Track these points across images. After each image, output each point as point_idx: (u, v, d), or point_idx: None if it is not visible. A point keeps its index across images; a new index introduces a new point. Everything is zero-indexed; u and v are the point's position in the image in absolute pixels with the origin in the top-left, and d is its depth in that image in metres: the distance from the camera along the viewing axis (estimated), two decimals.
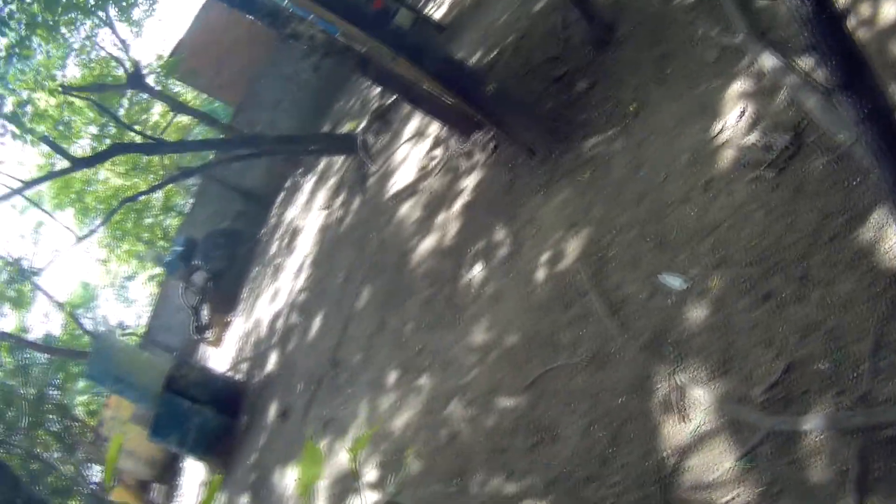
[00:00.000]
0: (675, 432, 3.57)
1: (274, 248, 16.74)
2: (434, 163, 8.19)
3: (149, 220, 35.78)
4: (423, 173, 8.31)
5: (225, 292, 19.92)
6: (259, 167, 21.71)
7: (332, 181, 13.53)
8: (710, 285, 3.87)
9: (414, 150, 9.22)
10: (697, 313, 3.85)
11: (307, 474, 1.97)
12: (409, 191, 8.46)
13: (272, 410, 9.77)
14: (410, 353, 6.29)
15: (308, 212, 14.36)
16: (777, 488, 3.09)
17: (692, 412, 3.56)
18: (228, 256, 20.67)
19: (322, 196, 13.69)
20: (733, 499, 3.20)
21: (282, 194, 20.23)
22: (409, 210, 8.13)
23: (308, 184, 16.48)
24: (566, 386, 4.32)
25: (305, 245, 12.73)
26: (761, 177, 4.04)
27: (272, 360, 11.15)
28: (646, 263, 4.35)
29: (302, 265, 12.10)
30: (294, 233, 14.81)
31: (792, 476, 3.07)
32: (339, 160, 12.98)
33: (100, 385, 13.04)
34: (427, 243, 7.09)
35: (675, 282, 4.06)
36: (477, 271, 5.92)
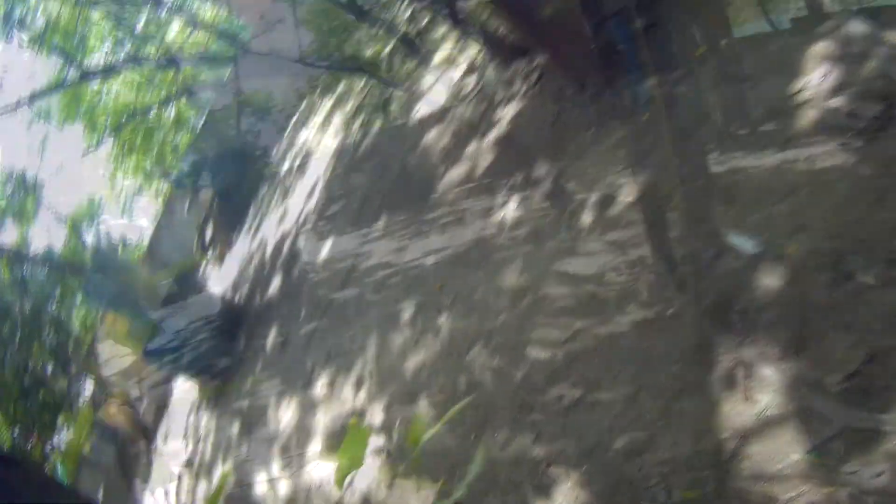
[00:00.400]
0: (737, 413, 3.18)
1: (285, 169, 16.37)
2: (467, 90, 7.74)
3: (159, 136, 35.36)
4: (454, 100, 7.85)
5: (231, 211, 19.70)
6: (274, 86, 21.15)
7: (350, 104, 13.04)
8: (786, 252, 3.48)
9: (444, 76, 8.73)
10: (770, 282, 3.43)
11: (349, 458, 1.60)
12: (437, 117, 7.98)
13: (272, 336, 9.49)
14: (430, 288, 5.91)
15: (323, 134, 13.89)
16: (848, 491, 2.75)
17: (758, 392, 3.18)
18: (237, 175, 20.39)
19: (338, 119, 13.23)
20: (798, 496, 2.85)
21: (296, 115, 19.76)
22: (436, 137, 7.66)
23: (324, 105, 15.98)
24: (611, 345, 3.94)
25: (318, 168, 12.30)
26: (847, 145, 3.63)
27: (275, 285, 10.85)
28: (712, 219, 3.94)
29: (314, 188, 11.70)
30: (307, 154, 14.39)
31: (866, 480, 2.72)
32: (359, 83, 12.47)
33: (97, 301, 13.01)
34: (455, 173, 6.65)
35: (746, 244, 3.66)
36: (512, 208, 5.49)
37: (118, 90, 27.07)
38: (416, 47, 10.80)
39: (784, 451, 2.95)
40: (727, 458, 3.09)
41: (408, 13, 12.52)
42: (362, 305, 6.90)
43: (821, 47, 4.21)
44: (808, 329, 3.20)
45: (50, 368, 23.72)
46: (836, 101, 3.85)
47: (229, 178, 20.49)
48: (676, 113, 4.72)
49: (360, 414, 5.37)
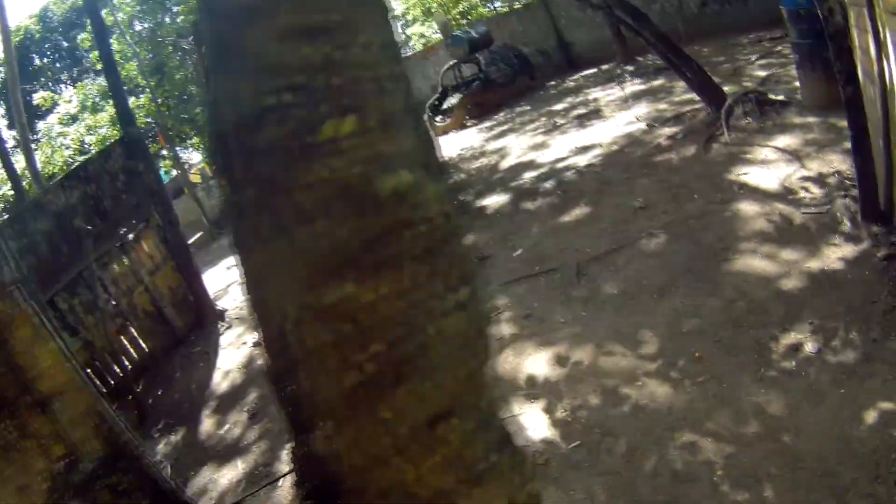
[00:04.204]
0: None
1: (559, 107, 15.92)
2: (806, 198, 7.21)
3: None
4: (787, 198, 7.17)
5: (482, 100, 19.53)
6: (598, 32, 19.82)
7: (662, 105, 12.54)
8: None
9: (783, 165, 7.94)
10: None
11: None
12: (762, 199, 7.37)
13: None
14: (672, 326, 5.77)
15: (624, 109, 13.26)
16: None
17: None
18: (508, 76, 20.10)
19: (643, 109, 12.71)
20: None
21: (593, 69, 18.98)
22: (750, 213, 7.13)
23: (631, 86, 15.14)
24: None
25: (601, 135, 11.93)
26: None
27: (492, 201, 10.93)
28: None
29: (586, 149, 11.42)
30: (593, 114, 13.97)
31: None
32: (687, 97, 11.90)
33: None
34: (753, 263, 6.24)
35: None
36: (810, 350, 4.94)
37: None
38: (763, 112, 10.08)
39: None
40: None
41: (767, 71, 11.88)
42: (593, 288, 6.75)
43: None
44: None
45: None
46: None
47: (500, 73, 20.16)
48: None
49: None
